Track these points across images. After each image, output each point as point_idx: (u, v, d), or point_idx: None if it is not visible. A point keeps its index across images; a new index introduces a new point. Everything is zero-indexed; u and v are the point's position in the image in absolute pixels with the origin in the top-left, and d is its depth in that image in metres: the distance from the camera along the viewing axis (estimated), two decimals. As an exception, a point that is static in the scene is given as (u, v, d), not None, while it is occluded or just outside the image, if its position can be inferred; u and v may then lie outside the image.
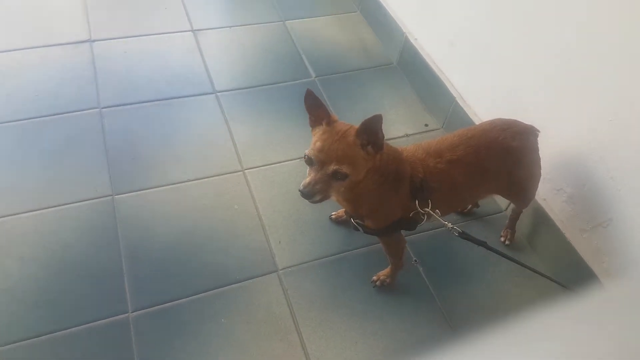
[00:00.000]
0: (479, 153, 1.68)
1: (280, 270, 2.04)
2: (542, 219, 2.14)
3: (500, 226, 2.26)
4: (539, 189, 2.01)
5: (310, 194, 1.47)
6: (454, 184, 1.67)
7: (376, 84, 2.83)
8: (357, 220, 1.71)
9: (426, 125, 2.67)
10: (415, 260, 2.11)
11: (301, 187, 1.45)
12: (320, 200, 1.49)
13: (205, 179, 2.31)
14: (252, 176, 2.33)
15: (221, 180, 2.31)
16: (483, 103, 2.40)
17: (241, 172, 2.36)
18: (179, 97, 2.63)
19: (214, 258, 2.03)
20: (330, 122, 1.51)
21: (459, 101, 2.51)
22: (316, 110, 1.50)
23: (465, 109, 2.47)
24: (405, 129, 2.63)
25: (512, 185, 1.86)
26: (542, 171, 1.91)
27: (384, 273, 2.04)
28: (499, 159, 1.74)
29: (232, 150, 2.43)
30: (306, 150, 1.49)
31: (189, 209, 2.18)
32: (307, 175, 1.48)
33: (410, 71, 2.86)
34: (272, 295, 1.96)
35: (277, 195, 2.28)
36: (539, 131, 1.81)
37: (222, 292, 1.94)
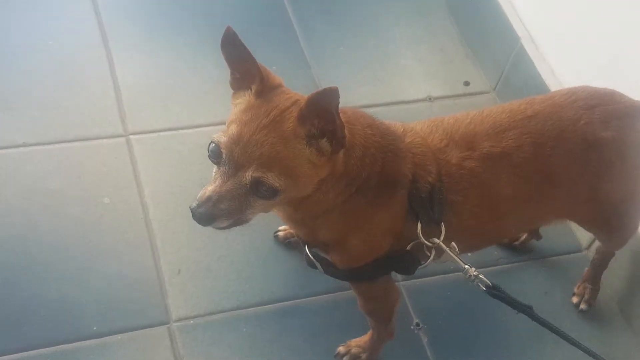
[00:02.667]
0: (542, 146, 1.42)
1: (175, 322, 1.71)
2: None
3: (574, 276, 1.97)
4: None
5: (209, 216, 1.22)
6: (493, 197, 1.43)
7: (388, 3, 2.52)
8: (314, 251, 1.45)
9: (467, 83, 2.34)
10: (417, 324, 1.80)
11: (194, 204, 1.22)
12: (229, 226, 1.27)
13: (56, 145, 1.96)
14: (140, 147, 2.00)
15: (85, 150, 1.96)
16: (569, 56, 2.09)
17: (122, 138, 2.00)
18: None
19: (60, 292, 1.72)
20: (263, 88, 1.24)
21: (526, 46, 2.19)
22: (240, 64, 1.25)
23: (536, 61, 2.15)
24: (429, 88, 2.30)
25: (598, 206, 1.58)
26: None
27: (359, 343, 1.72)
28: (578, 160, 1.47)
29: (110, 98, 2.09)
30: (214, 135, 1.24)
31: (19, 198, 1.85)
32: (211, 181, 1.26)
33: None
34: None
35: (183, 185, 1.93)
36: None
37: (72, 351, 1.63)
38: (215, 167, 1.24)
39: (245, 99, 1.25)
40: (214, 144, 1.22)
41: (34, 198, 1.83)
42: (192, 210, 1.22)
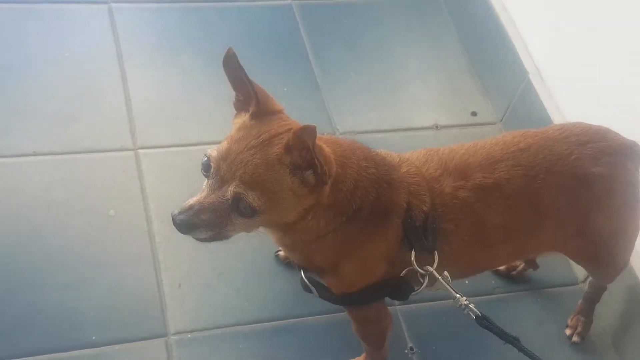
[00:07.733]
0: (533, 179, 1.42)
1: (172, 335, 1.70)
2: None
3: (569, 308, 1.94)
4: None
5: (188, 224, 1.22)
6: (484, 226, 1.42)
7: (398, 27, 2.52)
8: (309, 275, 1.45)
9: (474, 113, 2.34)
10: (411, 349, 1.78)
11: (176, 211, 1.22)
12: (209, 239, 1.27)
13: (65, 156, 1.95)
14: (148, 161, 1.99)
15: (94, 162, 1.96)
16: (575, 94, 2.09)
17: (131, 152, 1.99)
18: (39, 2, 2.27)
19: (60, 301, 1.69)
20: (258, 111, 1.25)
21: (534, 81, 2.19)
22: (241, 85, 1.27)
23: (542, 97, 2.15)
24: (435, 116, 2.29)
25: (588, 241, 1.56)
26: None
27: (354, 364, 1.68)
28: (568, 194, 1.46)
29: (121, 112, 2.07)
30: (208, 149, 1.26)
31: (26, 206, 1.84)
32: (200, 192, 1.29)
33: (463, 13, 2.55)
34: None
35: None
36: None
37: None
38: (205, 180, 1.27)
39: (242, 119, 1.27)
40: (206, 158, 1.24)
41: (41, 207, 1.82)
42: (173, 216, 1.23)
